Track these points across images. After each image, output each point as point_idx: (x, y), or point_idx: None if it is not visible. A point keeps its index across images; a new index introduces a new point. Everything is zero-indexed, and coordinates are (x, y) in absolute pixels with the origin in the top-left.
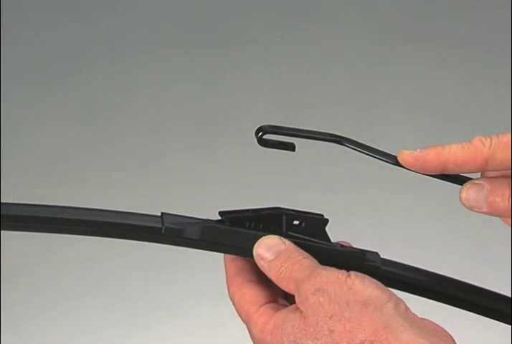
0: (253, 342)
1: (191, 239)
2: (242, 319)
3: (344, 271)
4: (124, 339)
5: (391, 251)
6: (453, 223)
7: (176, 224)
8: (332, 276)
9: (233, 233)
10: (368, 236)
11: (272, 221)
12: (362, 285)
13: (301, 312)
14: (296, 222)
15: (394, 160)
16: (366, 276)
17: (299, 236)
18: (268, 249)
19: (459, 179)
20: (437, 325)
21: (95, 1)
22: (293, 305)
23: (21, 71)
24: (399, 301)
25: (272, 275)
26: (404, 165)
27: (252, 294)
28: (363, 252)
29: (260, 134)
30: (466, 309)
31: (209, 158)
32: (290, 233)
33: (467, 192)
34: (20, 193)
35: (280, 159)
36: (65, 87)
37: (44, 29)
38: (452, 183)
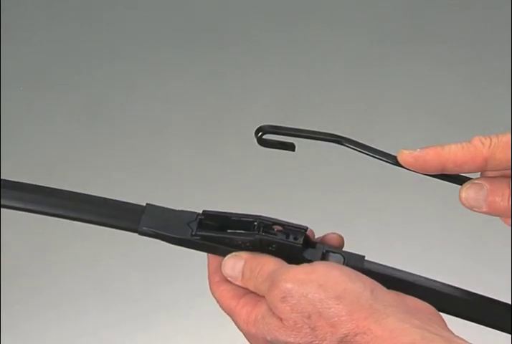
0: (243, 333)
1: (165, 242)
2: (227, 314)
3: (307, 268)
4: (124, 339)
5: (391, 251)
6: (453, 223)
7: (150, 230)
8: (294, 278)
9: (204, 246)
10: (368, 236)
11: (247, 240)
12: (332, 279)
13: (277, 315)
14: (269, 247)
15: (393, 160)
16: (335, 266)
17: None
18: (232, 269)
19: (458, 179)
20: (421, 302)
21: (95, 1)
22: None
23: (21, 71)
24: (374, 286)
25: (250, 289)
26: (403, 165)
27: (229, 290)
28: (343, 258)
29: (260, 134)
30: (457, 317)
31: (209, 158)
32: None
33: (467, 192)
34: None
35: (280, 159)
36: (65, 87)
37: (44, 29)
38: (451, 183)
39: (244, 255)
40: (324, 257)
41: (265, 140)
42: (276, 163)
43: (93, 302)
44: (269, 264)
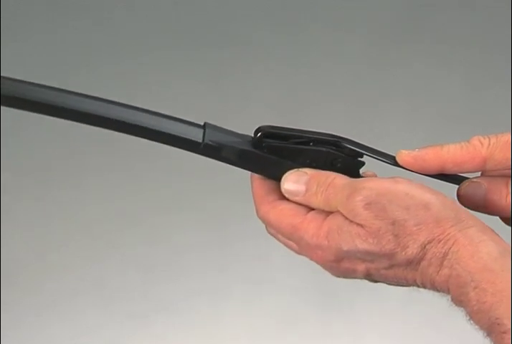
0: (305, 252)
1: (226, 158)
2: (283, 235)
3: (389, 179)
4: (124, 339)
5: None
6: None
7: (215, 142)
8: (379, 186)
9: (267, 160)
10: None
11: (311, 155)
12: (417, 190)
13: (357, 223)
14: (334, 161)
15: (393, 161)
16: (413, 180)
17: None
18: (295, 183)
19: (457, 179)
20: None
21: (94, 0)
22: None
23: (21, 70)
24: (452, 200)
25: (312, 206)
26: (402, 165)
27: (290, 208)
28: None
29: (260, 134)
30: None
31: (208, 158)
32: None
33: (465, 190)
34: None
35: None
36: (65, 87)
37: (44, 28)
38: (451, 183)
39: (308, 171)
40: None
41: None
42: None
43: (93, 301)
44: (340, 177)
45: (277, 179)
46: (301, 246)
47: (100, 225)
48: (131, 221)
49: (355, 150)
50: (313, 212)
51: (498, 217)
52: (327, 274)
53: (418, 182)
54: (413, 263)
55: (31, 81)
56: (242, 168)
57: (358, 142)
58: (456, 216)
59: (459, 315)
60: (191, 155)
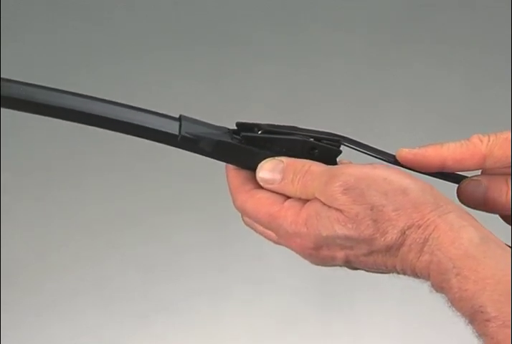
0: (283, 240)
1: (203, 150)
2: (261, 224)
3: (368, 165)
4: (124, 339)
5: None
6: None
7: (192, 134)
8: (358, 171)
9: (244, 150)
10: None
11: (287, 145)
12: (396, 175)
13: (335, 208)
14: (311, 151)
15: (393, 159)
16: (391, 165)
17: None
18: (270, 171)
19: (457, 178)
20: None
21: (96, 0)
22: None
23: (21, 71)
24: (431, 186)
25: (288, 195)
26: (402, 163)
27: (267, 197)
28: None
29: (259, 133)
30: None
31: (207, 158)
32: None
33: (465, 188)
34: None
35: None
36: (65, 87)
37: (44, 28)
38: (450, 182)
39: (284, 159)
40: None
41: None
42: None
43: (93, 301)
44: (316, 164)
45: (255, 170)
46: (280, 235)
47: (100, 225)
48: (131, 221)
49: (330, 145)
50: (290, 200)
51: (497, 215)
52: (327, 274)
53: (396, 167)
54: (392, 249)
55: (29, 81)
56: (219, 159)
57: (359, 141)
58: (435, 202)
59: (459, 315)
60: (191, 155)
